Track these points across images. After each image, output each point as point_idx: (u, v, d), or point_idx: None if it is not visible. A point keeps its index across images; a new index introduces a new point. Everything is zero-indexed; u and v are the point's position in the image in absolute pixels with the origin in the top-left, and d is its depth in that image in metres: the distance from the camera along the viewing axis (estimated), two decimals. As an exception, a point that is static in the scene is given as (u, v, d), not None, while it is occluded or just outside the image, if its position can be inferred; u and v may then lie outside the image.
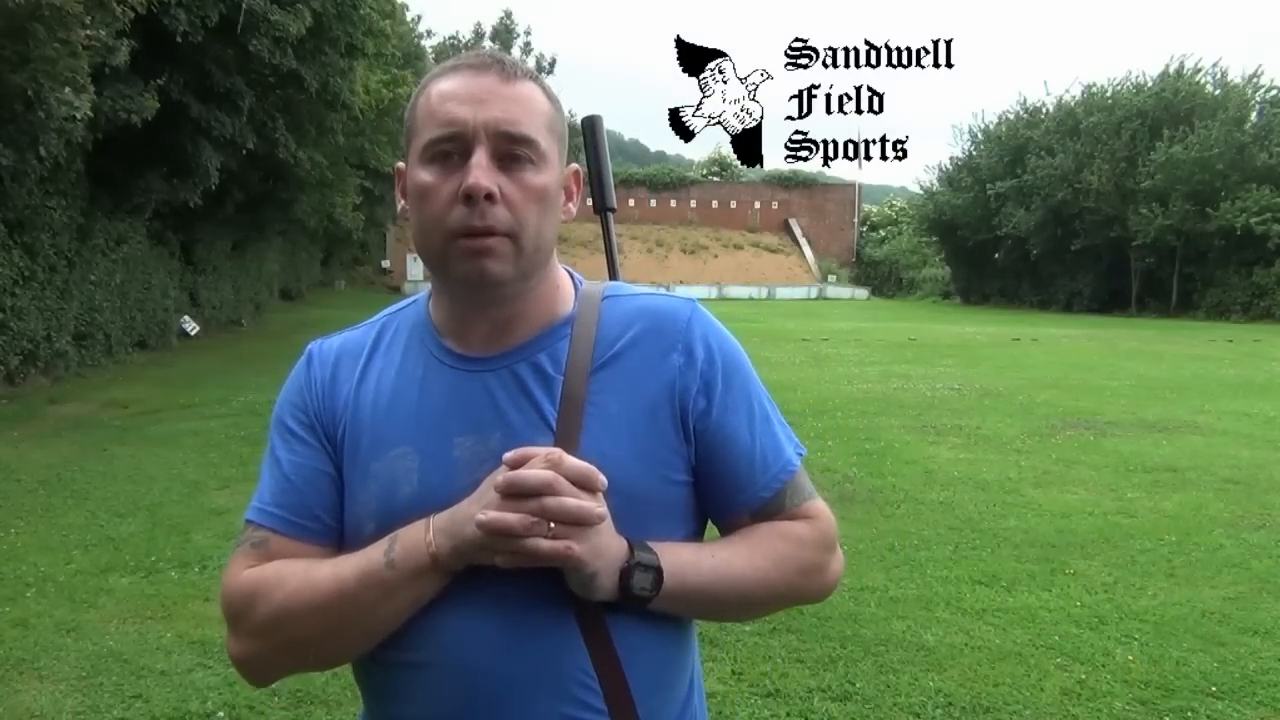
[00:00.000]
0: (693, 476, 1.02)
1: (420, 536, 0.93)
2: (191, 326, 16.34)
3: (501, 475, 0.89)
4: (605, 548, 0.92)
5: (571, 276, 1.09)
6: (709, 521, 1.08)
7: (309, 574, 0.96)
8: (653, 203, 47.14)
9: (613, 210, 1.34)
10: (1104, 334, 21.00)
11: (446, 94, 0.96)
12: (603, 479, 0.91)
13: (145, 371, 12.41)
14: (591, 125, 1.32)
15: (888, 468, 6.96)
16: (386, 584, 0.93)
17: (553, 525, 0.88)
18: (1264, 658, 3.65)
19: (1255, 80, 30.35)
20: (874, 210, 52.57)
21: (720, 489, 1.03)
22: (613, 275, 1.27)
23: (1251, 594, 4.36)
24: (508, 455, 0.91)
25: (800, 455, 1.07)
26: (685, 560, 0.97)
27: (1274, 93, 29.83)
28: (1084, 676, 3.49)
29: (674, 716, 1.04)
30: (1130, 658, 3.65)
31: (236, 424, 8.51)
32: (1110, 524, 5.54)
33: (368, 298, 31.09)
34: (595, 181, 1.31)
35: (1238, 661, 3.61)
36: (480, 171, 0.93)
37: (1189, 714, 3.21)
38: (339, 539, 1.01)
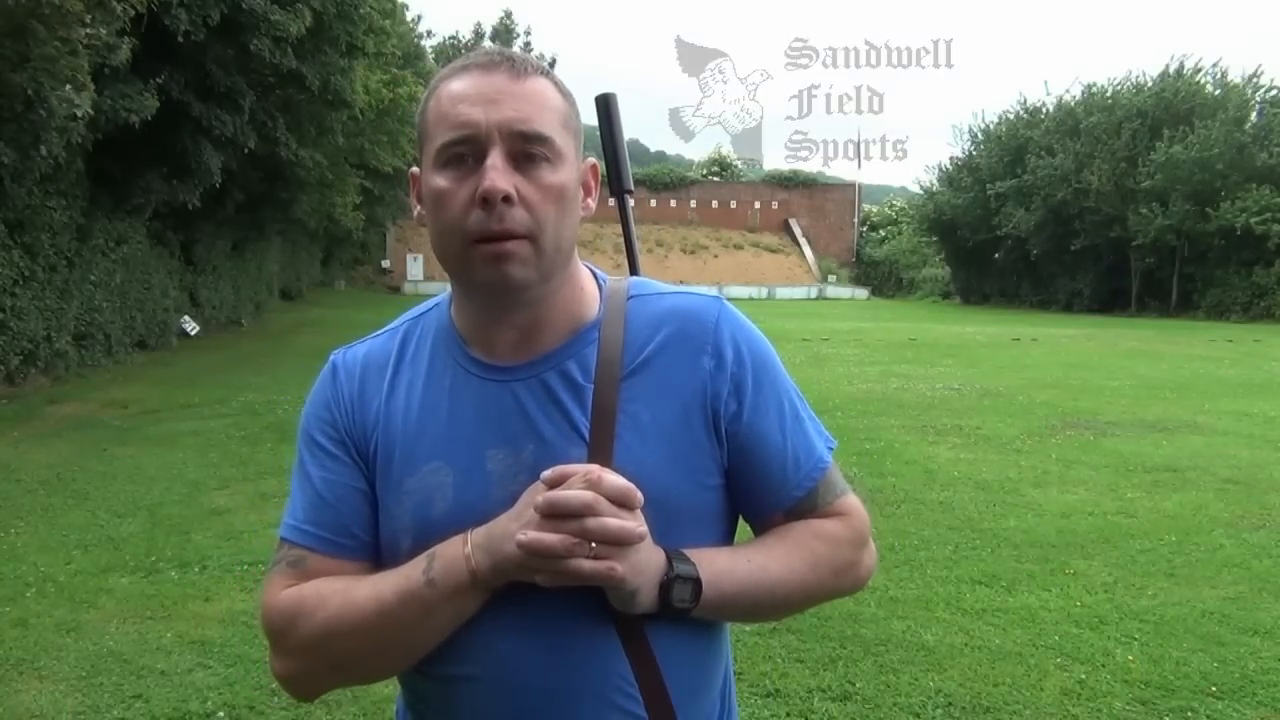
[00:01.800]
0: (725, 479, 1.01)
1: (459, 553, 0.92)
2: (191, 326, 16.33)
3: (541, 496, 0.88)
4: (645, 563, 0.91)
5: (595, 275, 1.07)
6: (739, 520, 1.07)
7: (349, 594, 0.95)
8: (653, 203, 47.11)
9: (630, 193, 1.27)
10: (1104, 334, 21.00)
11: (457, 95, 0.94)
12: (640, 496, 0.90)
13: (145, 371, 12.40)
14: (606, 103, 1.26)
15: (888, 468, 6.96)
16: (426, 602, 0.92)
17: (594, 545, 0.87)
18: (1264, 658, 3.65)
19: (1255, 80, 30.41)
20: (874, 210, 52.58)
21: (753, 490, 1.02)
22: (632, 262, 1.25)
23: (1251, 594, 4.36)
24: (546, 474, 0.90)
25: (831, 449, 1.06)
26: (721, 568, 0.96)
27: (1274, 93, 29.87)
28: (1084, 676, 3.49)
29: (711, 716, 1.05)
30: (1130, 658, 3.65)
31: (236, 424, 8.51)
32: (1110, 524, 5.53)
33: (368, 297, 31.12)
34: (611, 162, 1.26)
35: (1238, 661, 3.61)
36: (496, 173, 0.91)
37: (1189, 714, 3.21)
38: (376, 553, 1.01)
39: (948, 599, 4.28)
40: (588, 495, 0.87)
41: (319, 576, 0.99)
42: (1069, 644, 3.78)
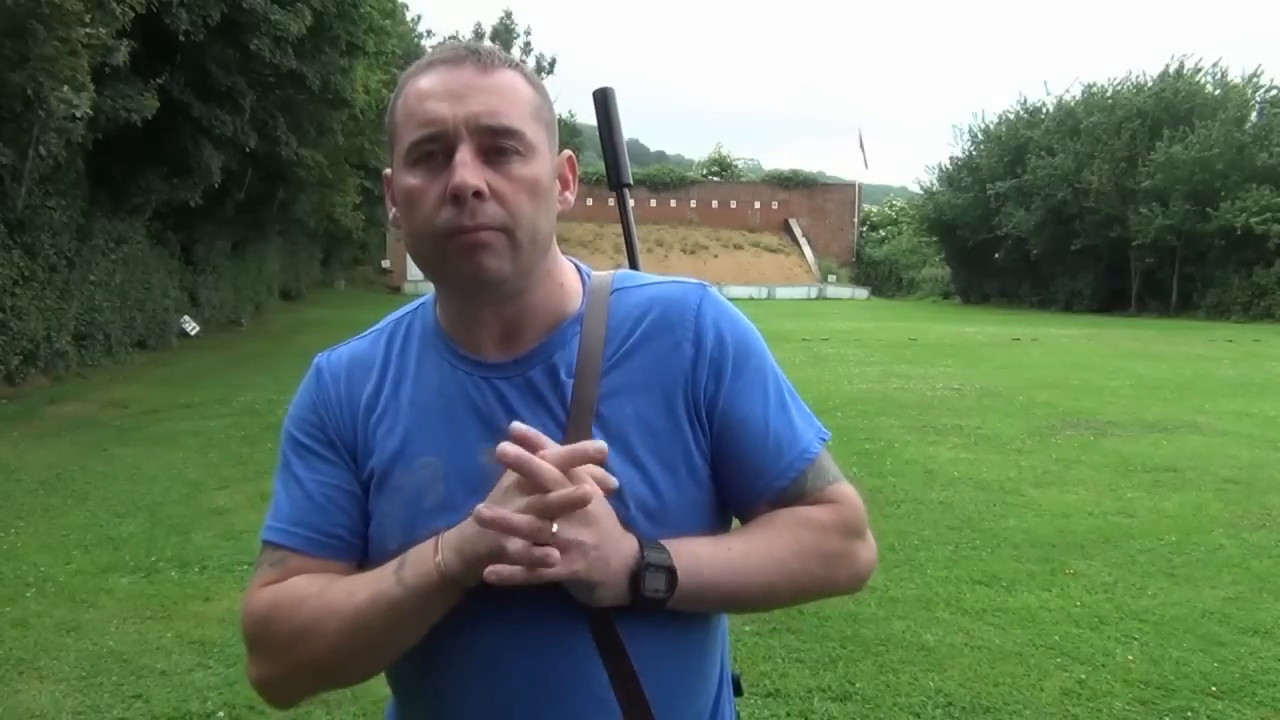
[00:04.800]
0: (711, 470, 0.99)
1: (429, 555, 0.91)
2: (191, 326, 16.33)
3: (507, 447, 0.86)
4: (606, 558, 0.89)
5: (579, 269, 1.06)
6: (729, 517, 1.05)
7: (324, 595, 0.94)
8: (653, 203, 47.08)
9: (629, 186, 1.26)
10: (1104, 334, 20.99)
11: (424, 92, 0.93)
12: (596, 445, 0.88)
13: (145, 371, 12.40)
14: (604, 98, 1.24)
15: (888, 468, 6.96)
16: (397, 603, 0.91)
17: (555, 527, 0.85)
18: (1264, 658, 3.65)
19: (1255, 80, 30.38)
20: (874, 210, 52.57)
21: (736, 478, 0.99)
22: (631, 256, 1.22)
23: (1251, 594, 4.36)
24: (502, 448, 0.87)
25: (823, 440, 1.03)
26: (700, 555, 0.93)
27: (1274, 93, 29.84)
28: (1084, 676, 3.49)
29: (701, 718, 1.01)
30: (1130, 658, 3.65)
31: (236, 424, 8.51)
32: (1110, 524, 5.53)
33: (368, 298, 31.11)
34: (610, 156, 1.24)
35: (1238, 661, 3.62)
36: (465, 169, 0.89)
37: (1189, 714, 3.21)
38: (361, 555, 1.00)
39: (948, 599, 4.28)
40: (549, 469, 0.85)
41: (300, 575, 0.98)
42: (1069, 644, 3.78)
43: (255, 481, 6.29)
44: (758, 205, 49.46)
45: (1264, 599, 4.30)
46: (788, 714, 3.20)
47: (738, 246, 47.04)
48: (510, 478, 0.88)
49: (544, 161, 0.96)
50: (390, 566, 0.93)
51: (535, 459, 0.85)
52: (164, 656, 3.64)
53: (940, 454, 7.50)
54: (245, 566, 4.60)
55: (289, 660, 0.96)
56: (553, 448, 0.88)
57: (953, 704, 3.27)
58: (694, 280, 1.03)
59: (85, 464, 6.92)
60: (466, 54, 0.95)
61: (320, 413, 1.02)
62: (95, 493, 6.12)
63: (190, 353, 14.65)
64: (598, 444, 0.88)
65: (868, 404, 10.07)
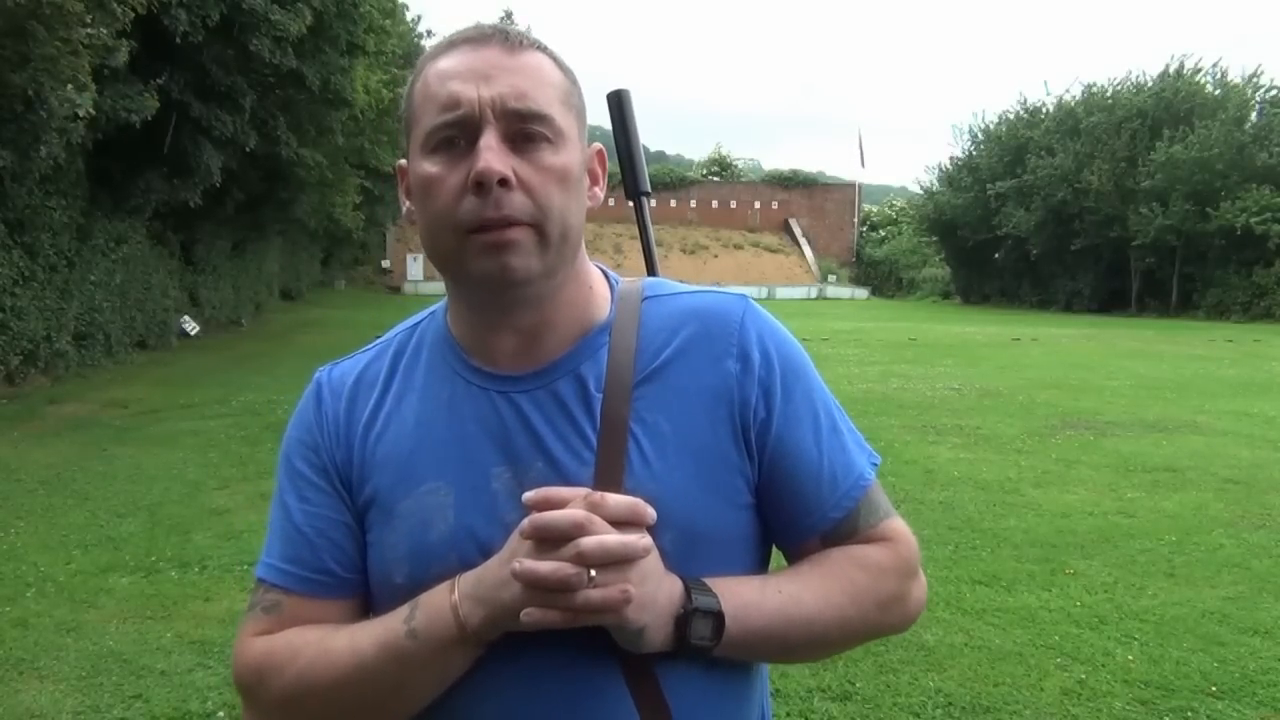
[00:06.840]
0: (756, 499, 0.90)
1: (444, 602, 0.81)
2: (191, 326, 16.33)
3: (527, 520, 0.78)
4: (653, 597, 0.80)
5: (606, 275, 0.97)
6: (772, 548, 0.96)
7: (323, 644, 0.85)
8: (652, 203, 46.42)
9: (647, 194, 1.19)
10: (1104, 334, 20.99)
11: (446, 73, 0.84)
12: (651, 512, 0.80)
13: (145, 371, 12.40)
14: (619, 101, 1.15)
15: (888, 468, 6.95)
16: (408, 657, 0.81)
17: (593, 573, 0.76)
18: (1264, 658, 3.65)
19: (1255, 80, 30.48)
20: (874, 210, 52.66)
21: (786, 511, 0.90)
22: (650, 267, 1.15)
23: (1251, 594, 4.36)
24: (527, 497, 0.79)
25: (874, 465, 0.95)
26: (749, 599, 0.84)
27: (1274, 93, 29.92)
28: (1084, 676, 3.49)
29: None
30: (1130, 658, 3.65)
31: (236, 424, 8.51)
32: (1110, 524, 5.53)
33: (368, 297, 31.12)
34: (625, 164, 1.16)
35: (1238, 661, 3.61)
36: (491, 154, 0.81)
37: (1189, 714, 3.21)
38: (360, 592, 0.91)
39: (948, 599, 4.28)
40: (579, 514, 0.77)
41: (297, 621, 0.89)
42: (1069, 644, 3.78)
43: (255, 481, 6.29)
44: (758, 205, 49.49)
45: (1264, 599, 4.30)
46: (788, 714, 3.20)
47: (738, 246, 47.06)
48: (521, 525, 0.81)
49: (575, 150, 0.87)
50: (399, 614, 0.83)
51: (597, 520, 0.78)
52: (164, 656, 3.64)
53: (940, 454, 7.50)
54: (245, 567, 4.60)
55: (287, 716, 0.88)
56: (613, 499, 0.79)
57: (953, 704, 3.27)
58: (735, 292, 0.95)
59: (85, 464, 6.92)
60: (492, 33, 0.87)
61: (316, 435, 0.93)
62: (95, 493, 6.11)
63: (190, 353, 14.65)
64: (652, 511, 0.81)
65: (868, 404, 10.07)
